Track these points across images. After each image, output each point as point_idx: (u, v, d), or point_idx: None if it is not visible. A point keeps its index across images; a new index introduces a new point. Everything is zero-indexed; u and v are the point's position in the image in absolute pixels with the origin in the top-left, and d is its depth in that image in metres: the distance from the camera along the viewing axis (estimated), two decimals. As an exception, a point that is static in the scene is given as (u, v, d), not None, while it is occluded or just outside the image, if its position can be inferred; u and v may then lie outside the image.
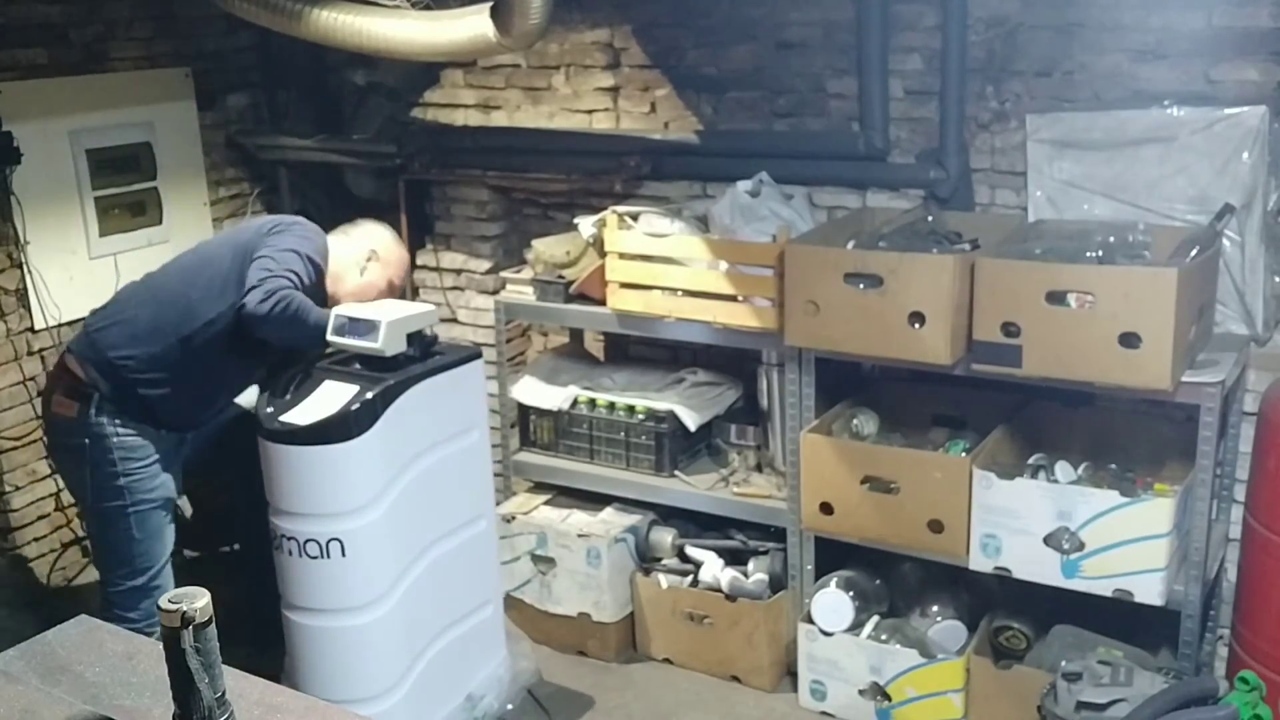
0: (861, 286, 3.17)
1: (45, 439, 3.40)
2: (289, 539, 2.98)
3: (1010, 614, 3.27)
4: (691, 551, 3.78)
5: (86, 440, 3.08)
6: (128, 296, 3.29)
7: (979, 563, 3.20)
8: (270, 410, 3.03)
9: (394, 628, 3.08)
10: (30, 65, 3.99)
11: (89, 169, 4.16)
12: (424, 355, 3.16)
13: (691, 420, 3.77)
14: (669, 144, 4.03)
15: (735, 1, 3.87)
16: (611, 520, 3.84)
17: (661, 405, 3.79)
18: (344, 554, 2.96)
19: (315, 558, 2.96)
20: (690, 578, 3.75)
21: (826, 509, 3.40)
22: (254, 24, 3.88)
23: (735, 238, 3.53)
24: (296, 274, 3.07)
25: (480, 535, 3.35)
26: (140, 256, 4.35)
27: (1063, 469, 3.17)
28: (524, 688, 3.56)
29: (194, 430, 3.29)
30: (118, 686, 1.67)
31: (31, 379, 4.04)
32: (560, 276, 3.88)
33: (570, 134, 4.22)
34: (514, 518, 3.87)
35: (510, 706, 3.49)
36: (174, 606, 1.38)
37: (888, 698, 3.37)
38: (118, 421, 3.08)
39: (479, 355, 3.31)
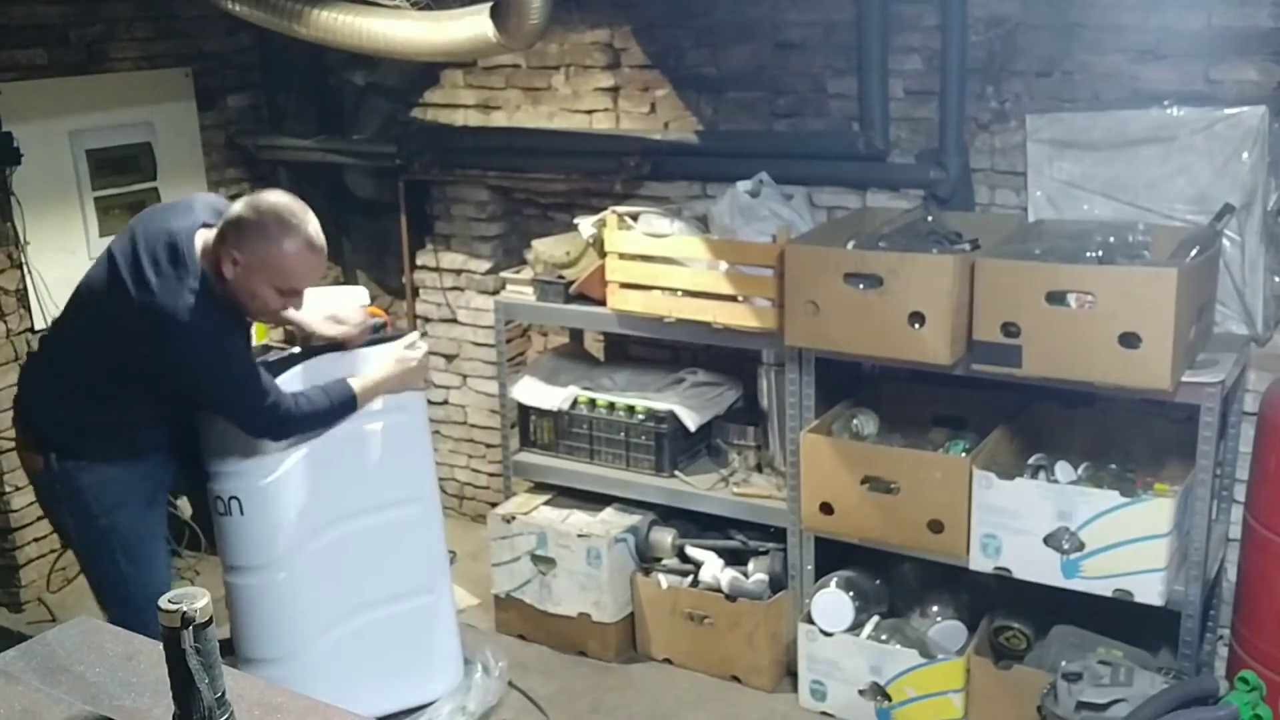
0: (861, 286, 3.17)
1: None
2: (210, 496, 3.05)
3: (1010, 614, 3.27)
4: (691, 552, 3.78)
5: (58, 486, 2.94)
6: None
7: (979, 563, 3.20)
8: None
9: (296, 591, 3.08)
10: (30, 65, 4.00)
11: (89, 169, 4.17)
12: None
13: (691, 420, 3.77)
14: (669, 144, 4.03)
15: (735, 1, 3.88)
16: (611, 520, 3.84)
17: (661, 405, 3.79)
18: (242, 512, 2.99)
19: (222, 515, 3.01)
20: (690, 578, 3.75)
21: (826, 509, 3.40)
22: (254, 24, 3.89)
23: (735, 238, 3.53)
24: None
25: (413, 517, 3.31)
26: (140, 257, 4.35)
27: (1063, 469, 3.17)
28: (505, 685, 3.57)
29: (157, 456, 3.03)
30: (118, 687, 1.67)
31: (31, 379, 4.04)
32: (560, 277, 3.88)
33: (570, 134, 4.23)
34: (514, 518, 3.87)
35: (493, 703, 3.49)
36: (174, 607, 1.38)
37: (888, 698, 3.37)
38: (82, 462, 2.90)
39: (404, 334, 3.29)
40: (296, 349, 3.27)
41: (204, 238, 2.79)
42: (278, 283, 2.77)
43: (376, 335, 3.25)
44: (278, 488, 3.02)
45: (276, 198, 2.80)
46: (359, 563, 3.21)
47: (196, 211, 2.86)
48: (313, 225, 2.79)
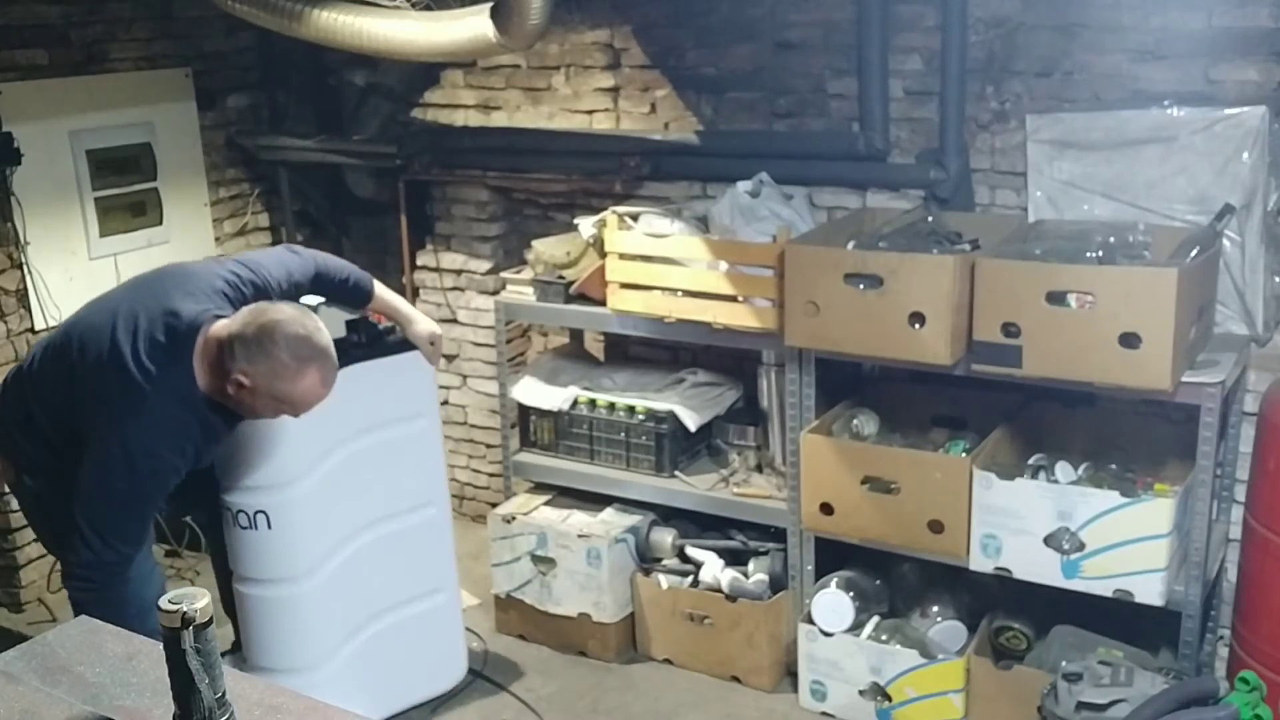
0: (861, 287, 3.17)
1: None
2: (226, 509, 3.05)
3: (1010, 614, 3.27)
4: (692, 552, 3.78)
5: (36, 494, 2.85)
6: None
7: (979, 563, 3.20)
8: None
9: (322, 602, 3.11)
10: (30, 65, 4.00)
11: (89, 169, 4.16)
12: (370, 342, 3.20)
13: (691, 420, 3.77)
14: (669, 144, 4.03)
15: (735, 1, 3.87)
16: (612, 521, 3.84)
17: (661, 405, 3.79)
18: (270, 526, 3.01)
19: (245, 528, 3.02)
20: (690, 578, 3.75)
21: (826, 509, 3.40)
22: (254, 24, 3.89)
23: (735, 238, 3.53)
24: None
25: (427, 522, 3.38)
26: (141, 257, 4.35)
27: (1063, 469, 3.17)
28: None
29: None
30: (118, 687, 1.67)
31: (31, 379, 4.03)
32: (560, 277, 3.88)
33: (570, 134, 4.23)
34: (514, 518, 3.87)
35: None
36: (174, 607, 1.38)
37: (888, 698, 3.37)
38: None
39: (414, 348, 3.28)
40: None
41: (210, 331, 2.61)
42: (284, 410, 2.65)
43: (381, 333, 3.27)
44: (307, 501, 3.04)
45: (291, 324, 2.57)
46: (378, 568, 3.25)
47: (207, 296, 2.68)
48: (328, 353, 2.62)
